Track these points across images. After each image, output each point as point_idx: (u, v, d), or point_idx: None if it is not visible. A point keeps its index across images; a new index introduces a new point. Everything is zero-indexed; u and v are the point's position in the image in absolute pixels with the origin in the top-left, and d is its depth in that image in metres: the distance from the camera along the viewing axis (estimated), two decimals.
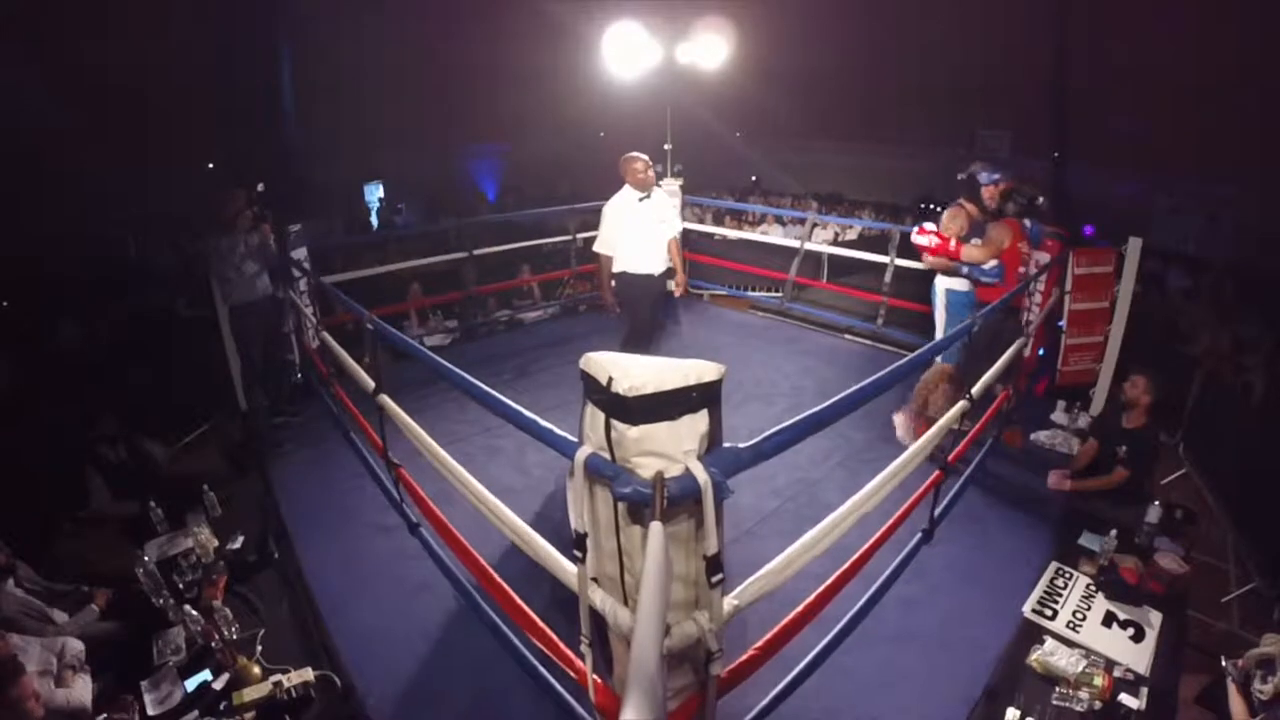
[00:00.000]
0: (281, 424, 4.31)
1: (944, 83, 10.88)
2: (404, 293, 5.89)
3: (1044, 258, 4.36)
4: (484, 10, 11.61)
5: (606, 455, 1.49)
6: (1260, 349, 5.23)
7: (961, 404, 2.63)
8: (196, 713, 2.28)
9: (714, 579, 1.44)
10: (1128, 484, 3.30)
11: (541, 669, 2.12)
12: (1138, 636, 2.53)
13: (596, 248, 4.23)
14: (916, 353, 2.43)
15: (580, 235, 6.12)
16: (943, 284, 3.99)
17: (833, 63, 11.52)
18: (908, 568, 2.59)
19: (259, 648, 2.56)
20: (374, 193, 12.67)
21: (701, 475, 1.35)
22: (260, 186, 4.21)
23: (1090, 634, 2.54)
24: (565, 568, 1.71)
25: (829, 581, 2.06)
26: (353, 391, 3.40)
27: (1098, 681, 2.29)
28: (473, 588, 2.51)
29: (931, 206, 10.54)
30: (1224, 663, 2.34)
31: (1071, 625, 2.59)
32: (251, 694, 2.29)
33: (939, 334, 4.00)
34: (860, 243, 7.83)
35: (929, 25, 10.70)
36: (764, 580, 1.64)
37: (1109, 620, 2.61)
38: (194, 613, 2.59)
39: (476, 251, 5.69)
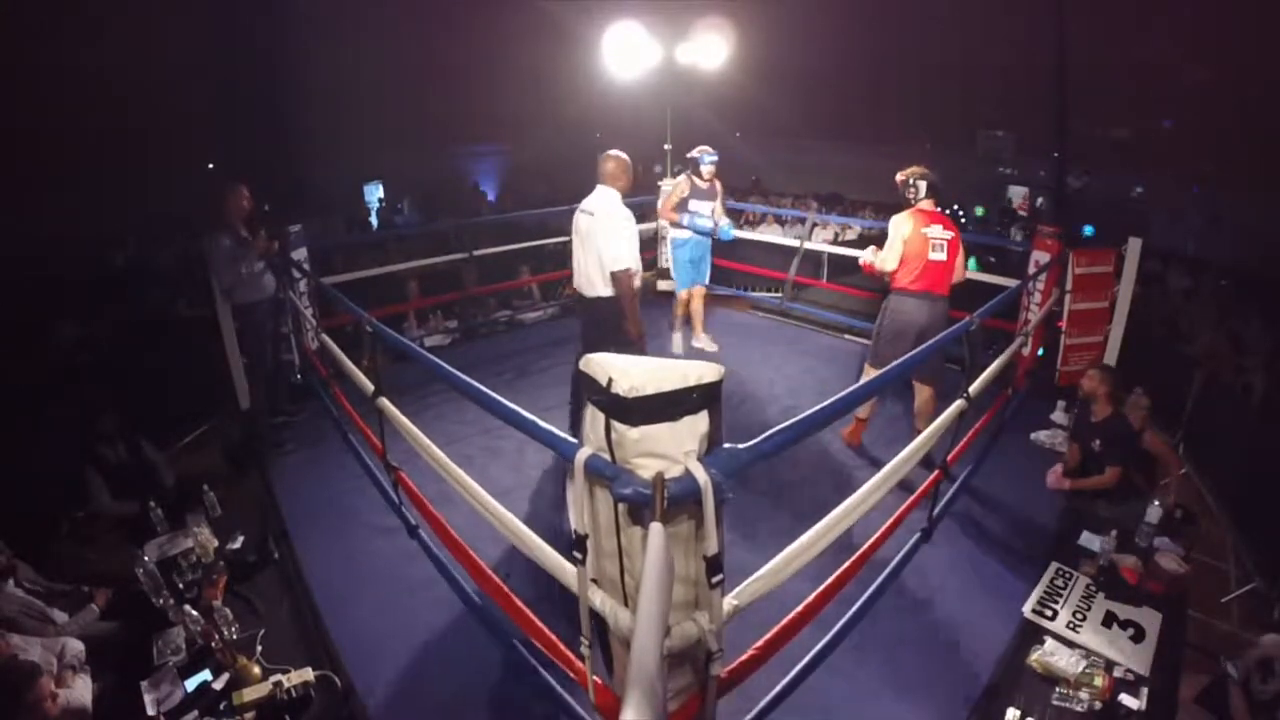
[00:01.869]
0: (281, 424, 4.31)
1: (944, 83, 10.87)
2: (404, 293, 5.89)
3: (1044, 257, 4.38)
4: (484, 10, 11.62)
5: (606, 456, 1.48)
6: (1260, 349, 5.24)
7: (959, 403, 2.63)
8: (196, 713, 2.28)
9: (714, 579, 1.44)
10: (1122, 479, 3.30)
11: (541, 669, 2.12)
12: (1138, 636, 2.53)
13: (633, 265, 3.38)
14: (913, 353, 2.43)
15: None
16: (670, 234, 5.03)
17: (833, 63, 11.54)
18: (907, 568, 2.59)
19: (259, 648, 2.56)
20: (374, 193, 12.66)
21: (701, 476, 1.35)
22: (266, 208, 4.22)
23: (1090, 634, 2.54)
24: (565, 569, 1.71)
25: (829, 581, 2.06)
26: (352, 394, 3.40)
27: (1098, 682, 2.29)
28: (472, 589, 2.51)
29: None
30: (1224, 663, 2.34)
31: (1071, 625, 2.59)
32: (251, 694, 2.28)
33: (673, 272, 5.06)
34: (860, 242, 7.78)
35: (930, 25, 10.70)
36: (764, 580, 1.63)
37: (1109, 620, 2.60)
38: (194, 613, 2.58)
39: (476, 252, 5.70)
